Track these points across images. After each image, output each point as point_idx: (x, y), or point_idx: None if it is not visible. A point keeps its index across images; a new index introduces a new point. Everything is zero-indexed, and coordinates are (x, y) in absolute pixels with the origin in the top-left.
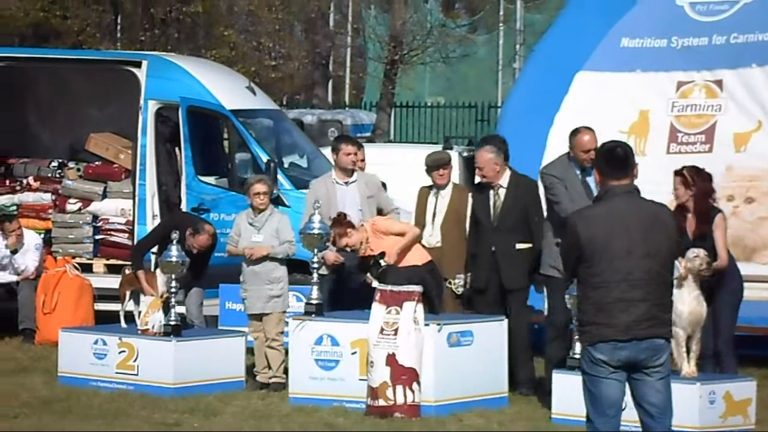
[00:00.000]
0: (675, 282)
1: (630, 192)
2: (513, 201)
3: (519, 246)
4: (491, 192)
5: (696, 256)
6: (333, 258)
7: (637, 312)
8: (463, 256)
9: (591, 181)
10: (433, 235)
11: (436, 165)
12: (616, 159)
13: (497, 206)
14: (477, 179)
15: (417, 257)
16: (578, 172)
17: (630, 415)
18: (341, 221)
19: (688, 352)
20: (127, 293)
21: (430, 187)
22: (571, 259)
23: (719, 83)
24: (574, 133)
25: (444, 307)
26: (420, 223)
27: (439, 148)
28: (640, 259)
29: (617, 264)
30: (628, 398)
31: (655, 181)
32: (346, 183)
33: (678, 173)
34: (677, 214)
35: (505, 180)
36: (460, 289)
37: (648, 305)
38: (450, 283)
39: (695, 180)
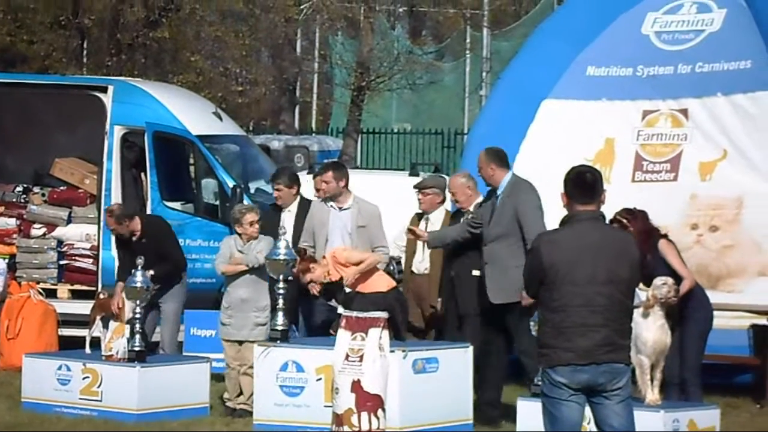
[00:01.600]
0: (641, 310)
1: (596, 218)
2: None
3: (475, 272)
4: (462, 219)
5: (664, 283)
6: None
7: (596, 337)
8: None
9: None
10: (422, 262)
11: (417, 187)
12: (584, 184)
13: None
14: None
15: (382, 283)
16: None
17: None
18: (302, 257)
19: (652, 380)
20: (97, 318)
21: (420, 215)
22: (533, 282)
23: (685, 112)
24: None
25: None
26: (410, 249)
27: (405, 174)
28: (602, 285)
29: (579, 289)
30: (592, 426)
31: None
32: (340, 209)
33: (613, 219)
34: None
35: (474, 206)
36: None
37: (608, 331)
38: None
39: (630, 222)
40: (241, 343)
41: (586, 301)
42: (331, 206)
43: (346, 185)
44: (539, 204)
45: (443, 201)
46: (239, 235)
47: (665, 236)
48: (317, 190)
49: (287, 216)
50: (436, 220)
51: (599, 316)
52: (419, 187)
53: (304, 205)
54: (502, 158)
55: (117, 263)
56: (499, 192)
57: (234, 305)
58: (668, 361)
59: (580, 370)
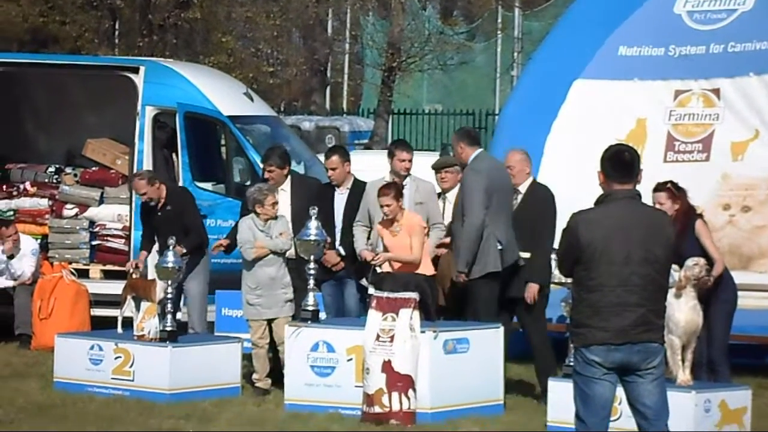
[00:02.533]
0: (673, 290)
1: (632, 197)
2: (528, 208)
3: (524, 254)
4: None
5: (696, 264)
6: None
7: (632, 317)
8: None
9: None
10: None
11: (437, 167)
12: (622, 163)
13: (512, 212)
14: None
15: (422, 267)
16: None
17: (625, 423)
18: (397, 185)
19: (683, 360)
20: (129, 298)
21: (438, 194)
22: (569, 260)
23: (717, 92)
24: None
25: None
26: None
27: (436, 155)
28: (638, 264)
29: (615, 268)
30: (623, 407)
31: (652, 189)
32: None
33: (662, 188)
34: None
35: (524, 186)
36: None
37: (644, 311)
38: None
39: (678, 196)
40: (270, 321)
41: (623, 281)
42: None
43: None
44: (484, 186)
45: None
46: (257, 215)
47: (701, 216)
48: (406, 169)
49: (282, 195)
50: (452, 198)
51: (635, 296)
52: (440, 167)
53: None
54: (472, 137)
55: (142, 234)
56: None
57: (263, 284)
58: (696, 341)
59: (614, 349)
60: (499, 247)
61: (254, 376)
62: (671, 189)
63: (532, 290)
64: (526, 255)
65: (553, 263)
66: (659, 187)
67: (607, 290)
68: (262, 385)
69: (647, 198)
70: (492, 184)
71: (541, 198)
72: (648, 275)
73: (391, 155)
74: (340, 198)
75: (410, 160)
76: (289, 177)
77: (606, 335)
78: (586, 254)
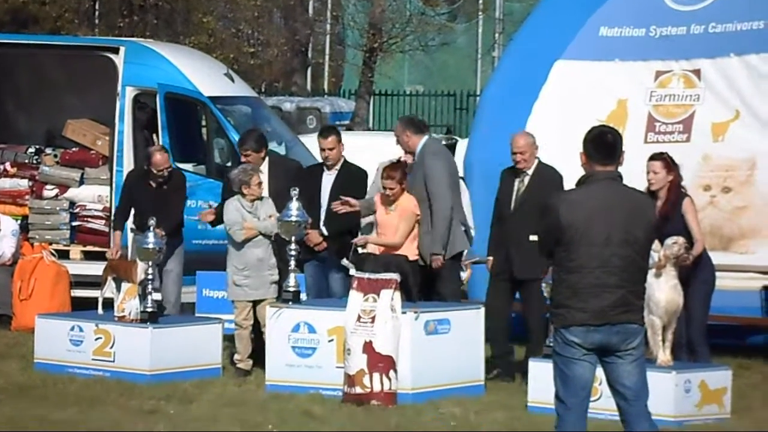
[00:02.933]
0: (653, 270)
1: (614, 179)
2: (535, 190)
3: (534, 237)
4: (517, 179)
5: (675, 242)
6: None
7: (611, 298)
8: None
9: None
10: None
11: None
12: (604, 144)
13: (519, 194)
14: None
15: (404, 250)
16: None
17: (606, 403)
18: (404, 167)
19: (663, 341)
20: (109, 279)
21: None
22: (549, 242)
23: (697, 73)
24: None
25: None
26: None
27: None
28: (618, 246)
29: (595, 250)
30: (603, 387)
31: (632, 170)
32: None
33: (658, 158)
34: None
35: (531, 169)
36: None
37: (623, 292)
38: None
39: (672, 170)
40: (255, 303)
41: (603, 262)
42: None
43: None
44: (447, 169)
45: None
46: (243, 196)
47: (689, 196)
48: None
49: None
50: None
51: (615, 277)
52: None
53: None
54: (417, 125)
55: (118, 209)
56: (416, 158)
57: (251, 265)
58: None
59: (594, 330)
60: (463, 229)
61: (236, 357)
62: (667, 159)
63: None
64: (535, 238)
65: None
66: (655, 156)
67: (587, 271)
68: (244, 366)
69: (628, 180)
70: (451, 169)
71: (549, 179)
72: (628, 257)
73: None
74: (328, 178)
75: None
76: (266, 159)
77: (585, 316)
78: (567, 235)
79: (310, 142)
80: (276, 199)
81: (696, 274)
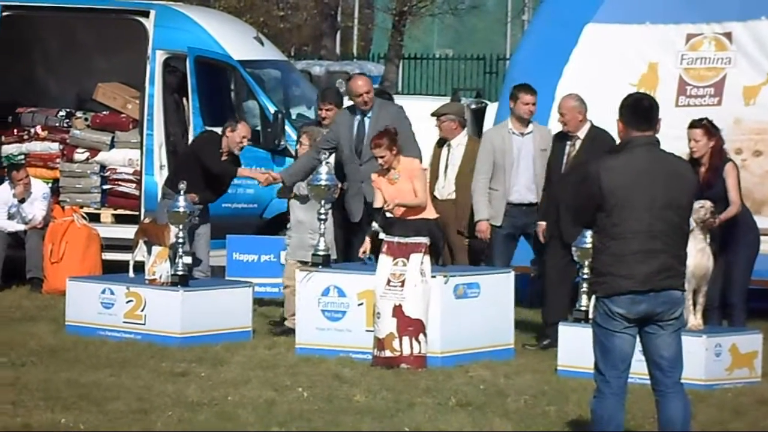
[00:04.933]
0: None
1: (652, 144)
2: (587, 154)
3: None
4: (568, 143)
5: (701, 206)
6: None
7: (655, 263)
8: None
9: (367, 123)
10: (445, 187)
11: (434, 114)
12: (641, 110)
13: (570, 157)
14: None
15: (426, 211)
16: (357, 116)
17: (636, 367)
18: (391, 133)
19: (694, 304)
20: (140, 242)
21: (442, 141)
22: (588, 209)
23: (729, 36)
24: (349, 79)
25: (457, 258)
26: (433, 175)
27: (447, 100)
28: (661, 210)
29: (638, 215)
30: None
31: (664, 134)
32: (522, 134)
33: (698, 125)
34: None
35: (583, 132)
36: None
37: (666, 257)
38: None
39: (714, 135)
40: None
41: (647, 227)
42: (511, 131)
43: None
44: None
45: (462, 127)
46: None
47: (732, 161)
48: (530, 113)
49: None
50: (457, 146)
51: (658, 242)
52: (435, 114)
53: None
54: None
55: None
56: (369, 114)
57: (293, 226)
58: (709, 285)
59: (639, 300)
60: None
61: (283, 314)
62: (707, 126)
63: None
64: None
65: None
66: (695, 124)
67: (631, 237)
68: (289, 323)
69: (665, 145)
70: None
71: (601, 143)
72: (671, 221)
73: (513, 98)
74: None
75: (534, 104)
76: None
77: (630, 283)
78: (609, 202)
79: None
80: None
81: (740, 237)
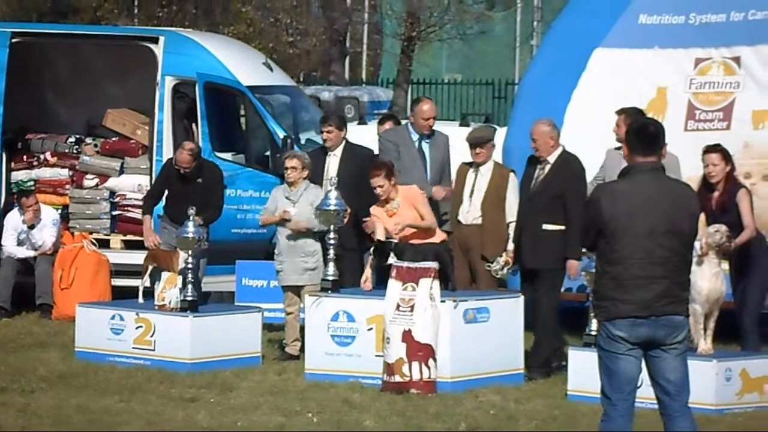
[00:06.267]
0: (695, 259)
1: (656, 170)
2: (553, 179)
3: (546, 226)
4: (538, 166)
5: (716, 230)
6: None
7: (656, 289)
8: (503, 235)
9: (426, 148)
10: (470, 212)
11: (472, 143)
12: (647, 136)
13: (537, 182)
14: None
15: (433, 235)
16: (415, 138)
17: (646, 392)
18: (389, 165)
19: (705, 329)
20: (149, 268)
21: (469, 164)
22: (591, 233)
23: (737, 60)
24: (416, 102)
25: (480, 285)
26: (457, 199)
27: (455, 125)
28: (663, 236)
29: (639, 241)
30: (644, 376)
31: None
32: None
33: (715, 149)
34: (701, 192)
35: (553, 157)
36: (499, 273)
37: (668, 283)
38: (488, 266)
39: (727, 160)
40: (297, 289)
41: (647, 253)
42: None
43: None
44: None
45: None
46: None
47: (745, 186)
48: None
49: (332, 160)
50: (486, 171)
51: (659, 268)
52: (476, 143)
53: (349, 149)
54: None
55: (150, 193)
56: (427, 139)
57: (283, 251)
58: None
59: (639, 323)
60: None
61: (284, 341)
62: (723, 150)
63: (573, 267)
64: (550, 227)
65: None
66: (711, 148)
67: (630, 263)
68: (290, 350)
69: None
70: None
71: (571, 169)
72: (672, 248)
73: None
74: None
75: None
76: (343, 143)
77: (630, 308)
78: (609, 227)
79: (349, 130)
80: (345, 186)
81: (755, 261)
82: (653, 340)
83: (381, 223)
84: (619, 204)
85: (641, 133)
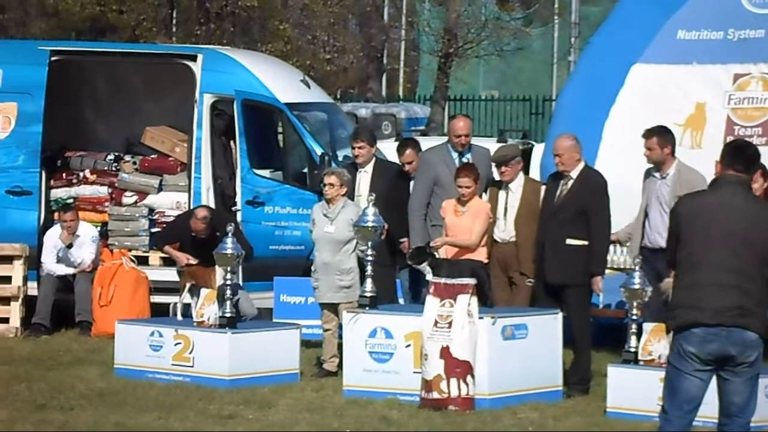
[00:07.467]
0: None
1: (741, 183)
2: (576, 194)
3: (570, 241)
4: (561, 182)
5: None
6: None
7: (727, 297)
8: None
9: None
10: (505, 231)
11: (497, 162)
12: (741, 150)
13: (560, 197)
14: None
15: (474, 253)
16: (455, 156)
17: (708, 411)
18: (477, 170)
19: None
20: (187, 285)
21: (498, 183)
22: (671, 243)
23: None
24: (451, 119)
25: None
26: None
27: (493, 141)
28: (739, 245)
29: (714, 246)
30: (708, 395)
31: (712, 174)
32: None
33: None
34: None
35: (576, 172)
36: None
37: (738, 292)
38: (529, 281)
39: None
40: (334, 306)
41: (721, 260)
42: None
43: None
44: None
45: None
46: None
47: None
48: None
49: (363, 176)
50: (516, 188)
51: (732, 276)
52: (501, 162)
53: (380, 165)
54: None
55: (159, 237)
56: (466, 154)
57: (319, 268)
58: None
59: (710, 339)
60: None
61: (322, 357)
62: (764, 167)
63: (597, 282)
64: (574, 242)
65: (610, 248)
66: None
67: (704, 269)
68: (327, 366)
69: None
70: None
71: (594, 184)
72: (747, 258)
73: None
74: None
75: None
76: (373, 159)
77: (700, 315)
78: (685, 233)
79: (386, 147)
80: (377, 202)
81: None
82: (725, 356)
83: (443, 218)
84: (696, 209)
85: (736, 148)
